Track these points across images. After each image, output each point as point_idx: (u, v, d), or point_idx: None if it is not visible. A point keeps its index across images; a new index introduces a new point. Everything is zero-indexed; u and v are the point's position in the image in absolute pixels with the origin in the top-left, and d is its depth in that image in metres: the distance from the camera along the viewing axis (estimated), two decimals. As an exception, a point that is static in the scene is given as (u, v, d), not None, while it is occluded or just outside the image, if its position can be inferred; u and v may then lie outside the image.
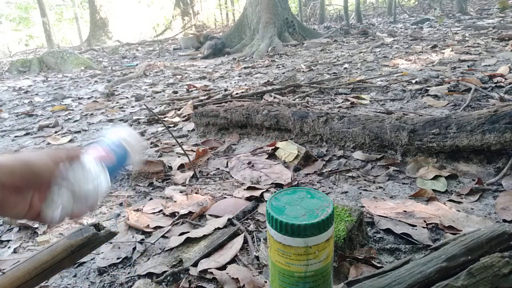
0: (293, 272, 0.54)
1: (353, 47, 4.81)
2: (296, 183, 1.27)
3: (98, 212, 1.21)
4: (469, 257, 0.63)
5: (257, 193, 1.19)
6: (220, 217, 1.07)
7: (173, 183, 1.38)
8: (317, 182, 1.28)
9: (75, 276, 0.90)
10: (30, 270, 0.50)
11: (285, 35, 6.25)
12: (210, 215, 1.10)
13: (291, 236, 0.52)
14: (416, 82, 2.45)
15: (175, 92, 3.28)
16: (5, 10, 16.46)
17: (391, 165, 1.32)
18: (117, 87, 3.86)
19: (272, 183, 1.26)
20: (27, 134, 2.35)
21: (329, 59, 4.07)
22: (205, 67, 4.92)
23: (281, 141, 1.58)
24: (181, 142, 1.86)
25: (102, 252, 0.97)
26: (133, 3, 15.86)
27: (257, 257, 0.88)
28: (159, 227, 1.07)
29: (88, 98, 3.40)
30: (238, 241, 0.94)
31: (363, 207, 1.05)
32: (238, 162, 1.46)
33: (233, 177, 1.37)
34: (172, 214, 1.13)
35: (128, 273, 0.89)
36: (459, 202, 1.05)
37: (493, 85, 2.14)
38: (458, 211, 1.00)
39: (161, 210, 1.16)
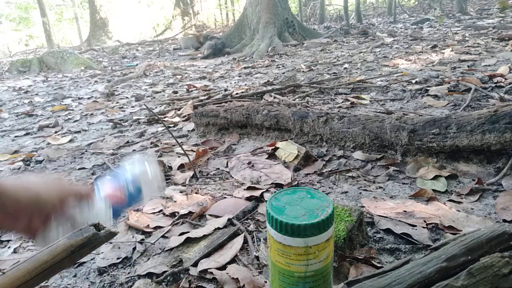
0: (293, 272, 0.54)
1: (353, 47, 4.81)
2: (296, 183, 1.27)
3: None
4: (469, 257, 0.62)
5: (257, 193, 1.19)
6: (220, 217, 1.07)
7: (173, 183, 1.38)
8: (317, 182, 1.28)
9: (75, 276, 0.90)
10: (30, 270, 0.50)
11: (285, 35, 6.25)
12: (210, 215, 1.10)
13: (291, 236, 0.52)
14: (416, 82, 2.45)
15: (175, 92, 3.28)
16: (5, 10, 16.48)
17: (391, 165, 1.32)
18: (117, 87, 3.86)
19: (272, 183, 1.26)
20: (27, 134, 2.35)
21: (329, 59, 4.07)
22: (205, 67, 4.92)
23: (281, 141, 1.58)
24: (181, 142, 1.86)
25: (102, 252, 0.97)
26: (133, 3, 15.86)
27: (257, 257, 0.88)
28: (159, 227, 1.07)
29: (88, 98, 3.40)
30: (238, 241, 0.94)
31: (363, 207, 1.05)
32: (238, 162, 1.46)
33: (233, 177, 1.37)
34: (172, 214, 1.13)
35: (128, 273, 0.89)
36: (459, 202, 1.05)
37: (493, 85, 2.14)
38: (458, 211, 1.00)
39: (161, 210, 1.16)
